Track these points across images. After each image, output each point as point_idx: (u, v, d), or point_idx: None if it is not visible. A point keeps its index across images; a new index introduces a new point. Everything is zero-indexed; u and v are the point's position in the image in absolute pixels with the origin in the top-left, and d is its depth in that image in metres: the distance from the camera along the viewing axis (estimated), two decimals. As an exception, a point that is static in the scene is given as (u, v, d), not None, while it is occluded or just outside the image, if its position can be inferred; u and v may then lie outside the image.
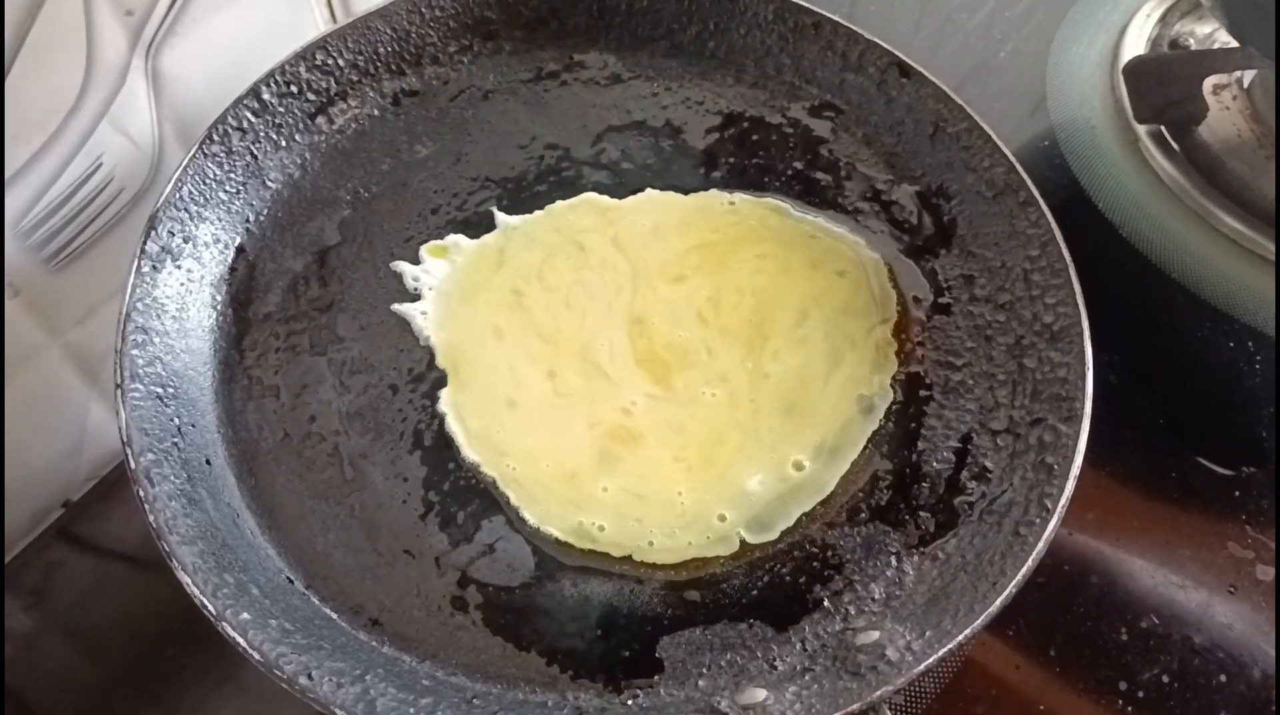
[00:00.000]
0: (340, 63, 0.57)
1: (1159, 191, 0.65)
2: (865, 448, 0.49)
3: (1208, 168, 0.65)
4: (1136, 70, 0.68)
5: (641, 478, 0.48)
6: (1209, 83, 0.68)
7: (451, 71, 0.61)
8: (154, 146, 0.55)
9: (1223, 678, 0.50)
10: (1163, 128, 0.67)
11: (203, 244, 0.52)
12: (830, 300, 0.54)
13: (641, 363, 0.52)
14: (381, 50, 0.58)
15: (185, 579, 0.41)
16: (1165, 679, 0.50)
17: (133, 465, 0.43)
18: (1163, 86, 0.66)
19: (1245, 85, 0.69)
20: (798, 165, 0.58)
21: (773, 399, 0.51)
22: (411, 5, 0.58)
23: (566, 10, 0.62)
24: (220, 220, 0.53)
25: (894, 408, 0.50)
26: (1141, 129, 0.67)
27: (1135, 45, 0.71)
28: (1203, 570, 0.53)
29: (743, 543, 0.47)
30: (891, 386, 0.51)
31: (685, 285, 0.54)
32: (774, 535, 0.47)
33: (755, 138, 0.60)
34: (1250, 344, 0.60)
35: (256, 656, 0.40)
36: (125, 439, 0.44)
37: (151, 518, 0.42)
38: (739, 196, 0.57)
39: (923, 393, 0.51)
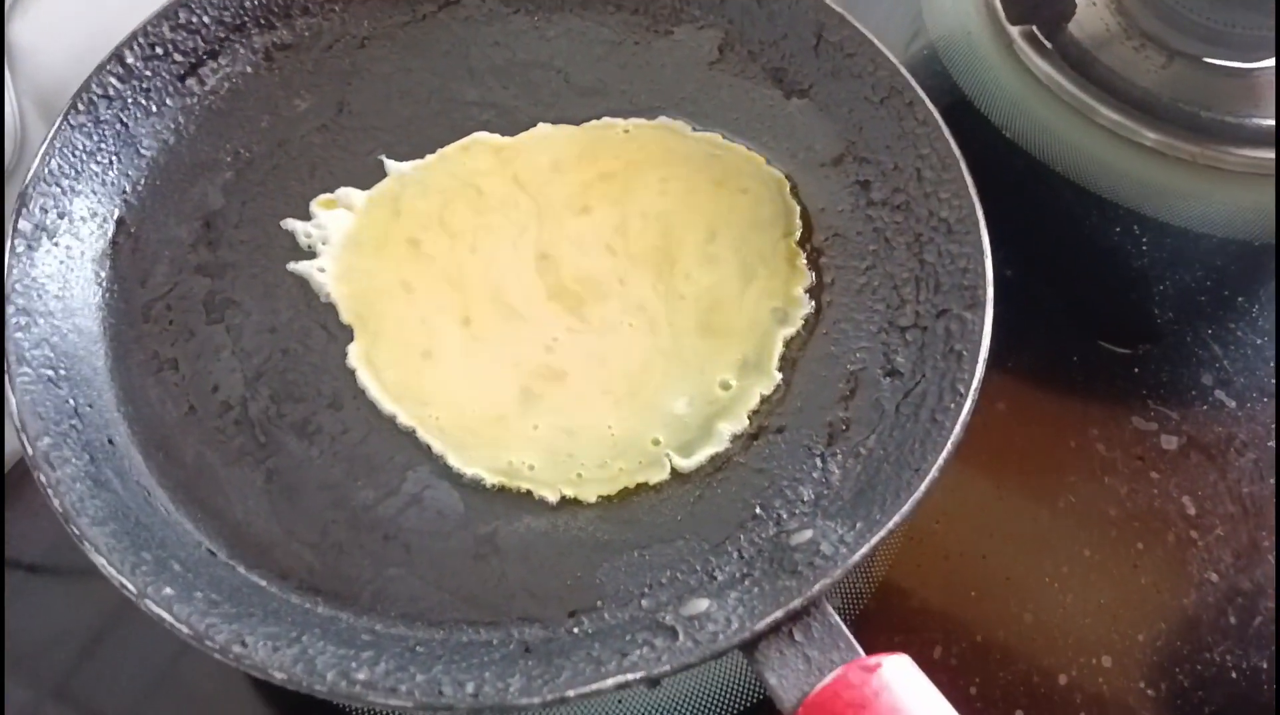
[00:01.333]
0: (205, 20, 0.55)
1: (1037, 91, 0.67)
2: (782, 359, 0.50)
3: (1081, 63, 0.67)
4: (1006, -27, 0.69)
5: (570, 414, 0.48)
6: (1075, -21, 0.70)
7: (323, 21, 0.58)
8: (15, 123, 0.52)
9: (1140, 545, 0.52)
10: (1035, 28, 0.68)
11: (79, 219, 0.50)
12: (737, 217, 0.54)
13: (554, 298, 0.51)
14: (248, 4, 0.56)
15: (100, 560, 0.40)
16: (1087, 552, 0.52)
17: (30, 451, 0.42)
18: (1031, -13, 0.68)
19: (1109, -22, 0.71)
20: (688, 88, 0.58)
21: (690, 321, 0.51)
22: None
23: None
24: (95, 193, 0.51)
25: (807, 317, 0.51)
26: (1015, 30, 0.68)
27: (1004, -51, 0.72)
28: (1110, 447, 0.55)
29: (673, 466, 0.47)
30: (804, 295, 0.51)
31: (591, 216, 0.54)
32: (703, 458, 0.47)
33: (642, 63, 0.59)
34: (1136, 228, 0.62)
35: (185, 630, 0.39)
36: (19, 425, 0.42)
37: (56, 502, 0.41)
38: (633, 122, 0.57)
39: (828, 299, 0.52)
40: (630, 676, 0.38)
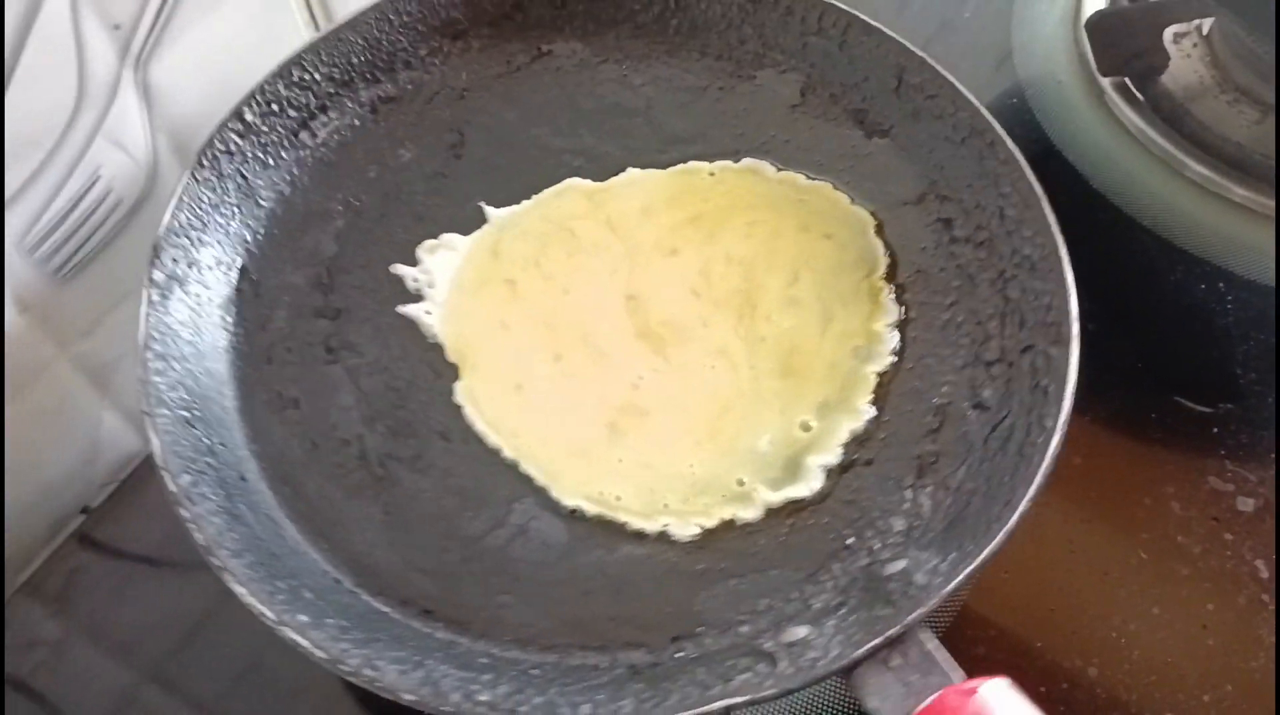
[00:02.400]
0: (317, 76, 0.57)
1: (1126, 142, 0.66)
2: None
3: (1172, 115, 0.66)
4: (1099, 24, 0.69)
5: (652, 451, 0.50)
6: (1169, 32, 0.69)
7: (425, 74, 0.61)
8: (149, 158, 0.56)
9: (1210, 606, 0.53)
10: (1127, 79, 0.68)
11: (206, 268, 0.53)
12: (819, 261, 0.55)
13: (641, 338, 0.53)
14: (355, 60, 0.59)
15: (240, 590, 0.42)
16: (1156, 610, 0.52)
17: (172, 488, 0.44)
18: (1125, 39, 0.67)
19: (1205, 33, 0.70)
20: (772, 131, 0.60)
21: (770, 362, 0.52)
22: (379, 13, 0.58)
23: (530, 3, 0.62)
24: (220, 243, 0.54)
25: (895, 350, 0.52)
26: (1106, 82, 0.67)
27: (1096, 0, 0.72)
28: (1185, 505, 0.56)
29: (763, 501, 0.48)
30: (887, 330, 0.53)
31: (678, 258, 0.55)
32: (792, 494, 0.48)
33: (726, 107, 0.61)
34: (1221, 285, 0.62)
35: (320, 655, 0.41)
36: (162, 463, 0.45)
37: (199, 536, 0.44)
38: (719, 165, 0.58)
39: (913, 335, 0.53)
40: (736, 700, 0.40)
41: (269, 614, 0.42)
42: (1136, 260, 0.64)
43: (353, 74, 0.59)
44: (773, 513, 0.48)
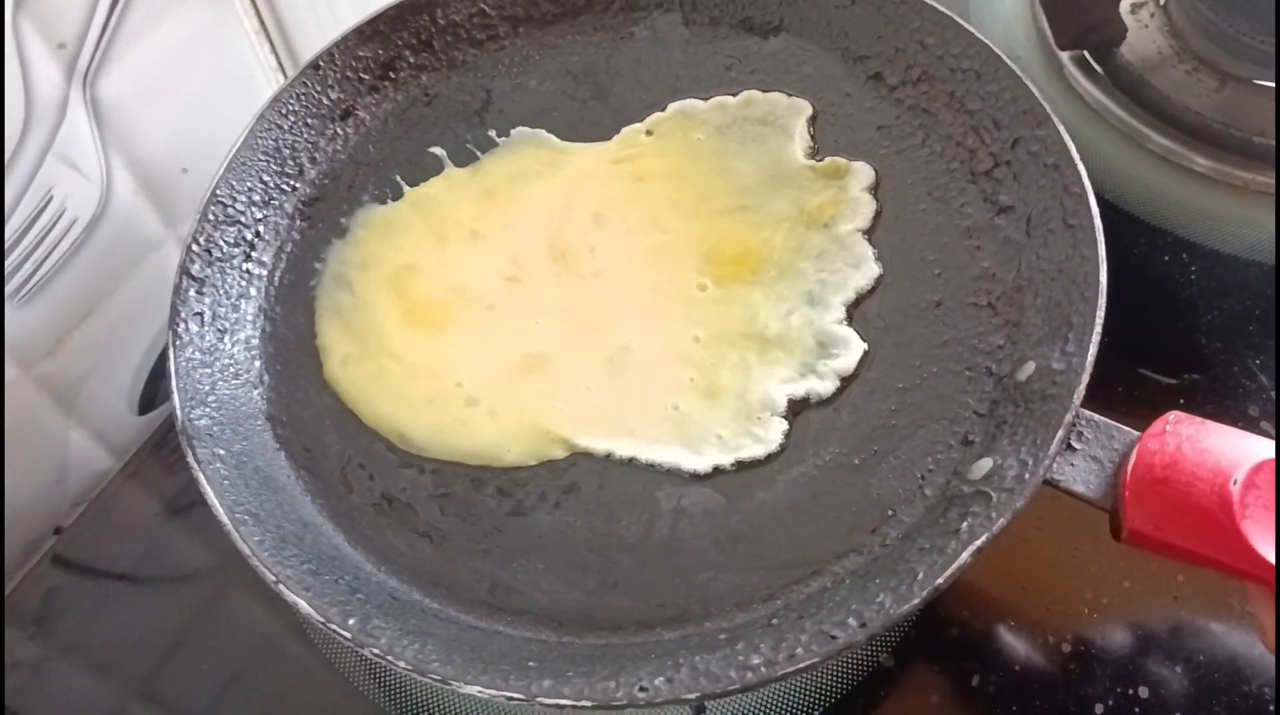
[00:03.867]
0: (237, 207, 0.56)
1: (1086, 116, 0.66)
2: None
3: (1131, 87, 0.66)
4: (1054, -1, 0.69)
5: (724, 383, 0.51)
6: (1126, 2, 0.69)
7: (332, 163, 0.60)
8: (102, 175, 0.56)
9: (1180, 578, 0.52)
10: (1085, 52, 0.67)
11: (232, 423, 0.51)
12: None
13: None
14: (265, 178, 0.58)
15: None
16: (1127, 584, 0.52)
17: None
18: (1081, 11, 0.67)
19: (1162, 2, 0.70)
20: (677, 71, 0.61)
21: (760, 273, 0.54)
22: (265, 123, 0.57)
23: (397, 60, 0.62)
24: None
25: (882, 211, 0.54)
26: (1065, 56, 0.68)
27: (1051, -28, 0.72)
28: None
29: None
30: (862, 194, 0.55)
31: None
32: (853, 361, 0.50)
33: (625, 71, 0.62)
34: (1184, 256, 0.61)
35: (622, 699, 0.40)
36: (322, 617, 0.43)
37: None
38: (651, 119, 0.60)
39: (903, 183, 0.55)
40: (979, 542, 0.40)
41: (519, 695, 0.40)
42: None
43: (269, 190, 0.58)
44: (869, 386, 0.49)
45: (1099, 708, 0.49)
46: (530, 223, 0.56)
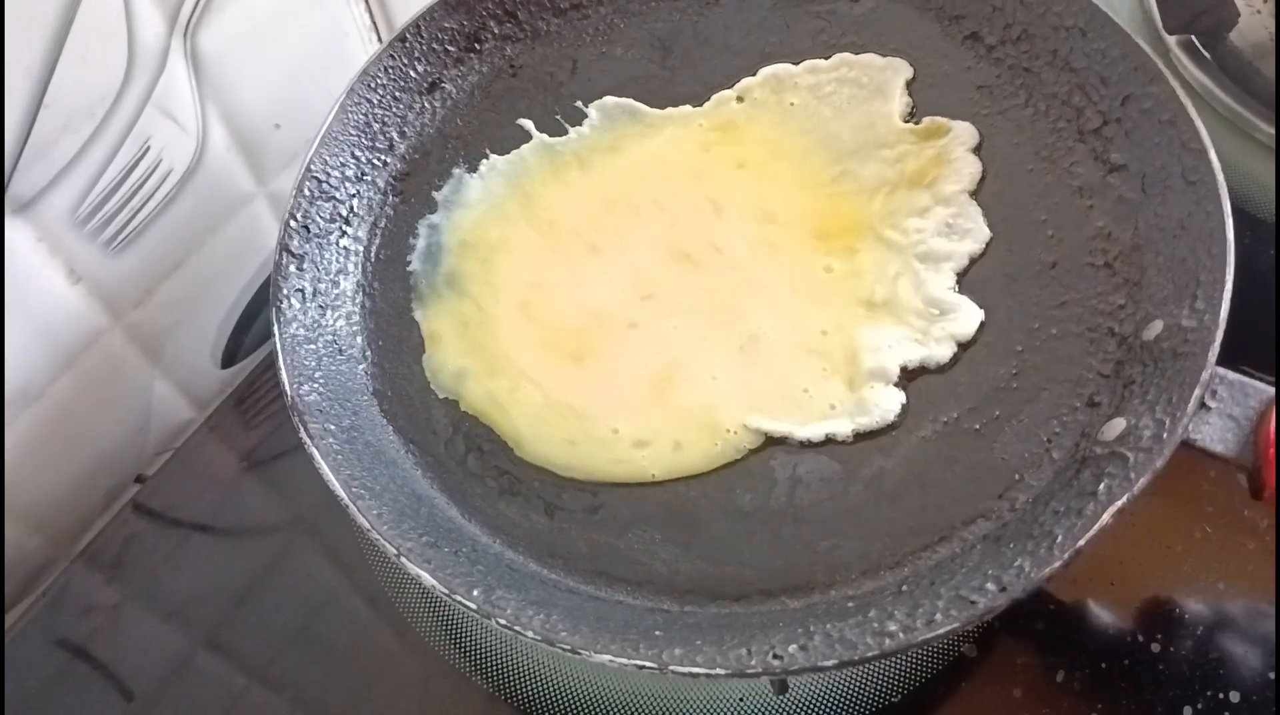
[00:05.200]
0: (332, 182, 0.56)
1: (1193, 102, 0.64)
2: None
3: (1241, 75, 0.64)
4: (1164, -20, 0.67)
5: (840, 348, 0.51)
6: (1237, -14, 0.67)
7: (420, 137, 0.60)
8: (198, 127, 0.56)
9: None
10: (1193, 37, 0.66)
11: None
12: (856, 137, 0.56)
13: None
14: (358, 154, 0.57)
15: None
16: (1221, 585, 0.51)
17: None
18: (1191, -5, 0.66)
19: (1278, -14, 0.68)
20: (768, 37, 0.60)
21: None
22: (356, 97, 0.57)
23: (482, 31, 0.62)
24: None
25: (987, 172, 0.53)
26: (1172, 40, 0.66)
27: (1161, -46, 0.69)
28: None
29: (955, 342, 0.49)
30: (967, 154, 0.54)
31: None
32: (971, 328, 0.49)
33: (713, 37, 0.61)
34: (1292, 251, 0.60)
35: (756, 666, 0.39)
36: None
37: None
38: (740, 86, 0.59)
39: (1009, 143, 0.53)
40: (1118, 503, 0.39)
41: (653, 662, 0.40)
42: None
43: (361, 166, 0.58)
44: (992, 350, 0.48)
45: (1187, 710, 0.48)
46: (645, 226, 0.55)
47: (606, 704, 0.49)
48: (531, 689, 0.50)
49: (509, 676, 0.51)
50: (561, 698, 0.50)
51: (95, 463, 0.59)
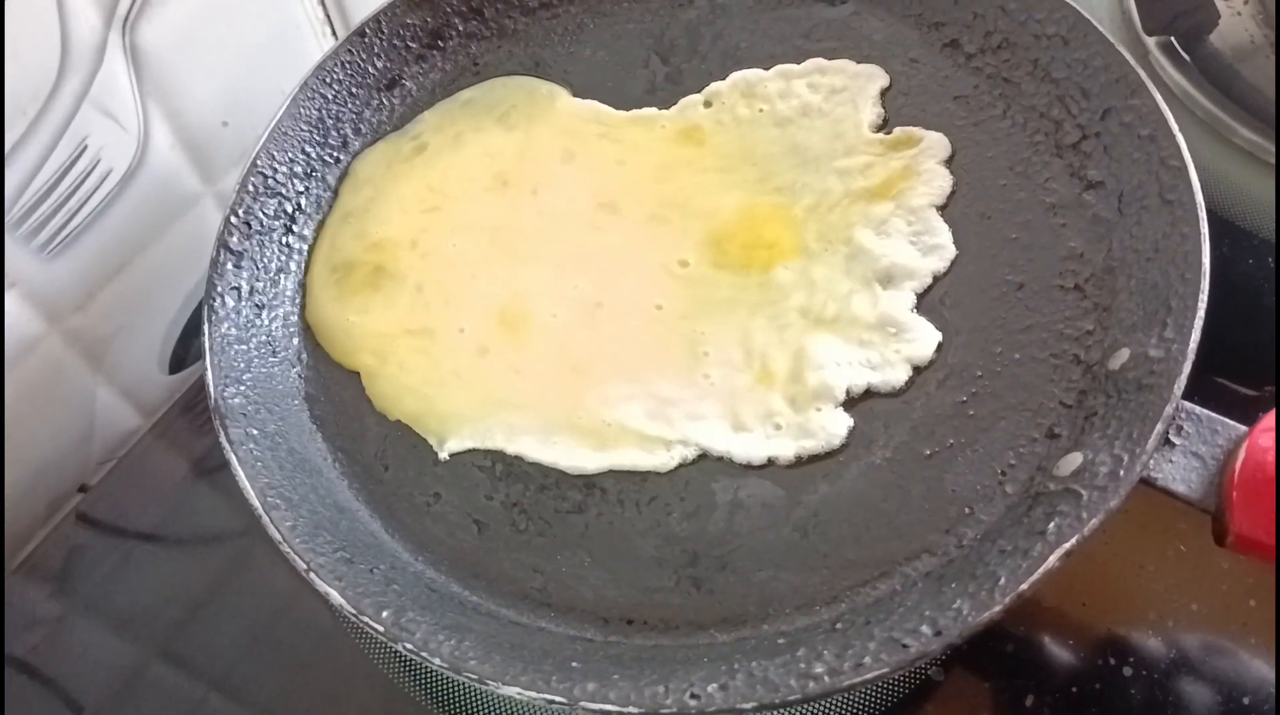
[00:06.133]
0: (279, 177, 0.55)
1: (1171, 105, 0.62)
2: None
3: (1220, 78, 0.62)
4: (1142, -19, 0.65)
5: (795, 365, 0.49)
6: (1217, -13, 0.66)
7: (375, 134, 0.59)
8: (139, 125, 0.54)
9: (1252, 602, 0.50)
10: (1172, 39, 0.64)
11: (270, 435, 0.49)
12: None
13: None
14: (308, 150, 0.56)
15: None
16: (1194, 606, 0.50)
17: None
18: (1170, -4, 0.64)
19: (1258, -13, 0.66)
20: (740, 39, 0.58)
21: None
22: (309, 93, 0.56)
23: (448, 29, 0.60)
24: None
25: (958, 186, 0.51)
26: (1151, 41, 0.64)
27: (1140, -46, 0.68)
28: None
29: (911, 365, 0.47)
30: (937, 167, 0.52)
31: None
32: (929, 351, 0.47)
33: (687, 41, 0.59)
34: (1270, 260, 0.58)
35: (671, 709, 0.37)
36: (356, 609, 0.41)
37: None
38: (709, 90, 0.58)
39: (980, 155, 0.52)
40: (1067, 545, 0.37)
41: (561, 699, 0.38)
42: (1178, 232, 0.61)
43: (311, 162, 0.56)
44: (944, 380, 0.46)
45: (1159, 735, 0.47)
46: (590, 232, 0.53)
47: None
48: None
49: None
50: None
51: (36, 473, 0.57)
